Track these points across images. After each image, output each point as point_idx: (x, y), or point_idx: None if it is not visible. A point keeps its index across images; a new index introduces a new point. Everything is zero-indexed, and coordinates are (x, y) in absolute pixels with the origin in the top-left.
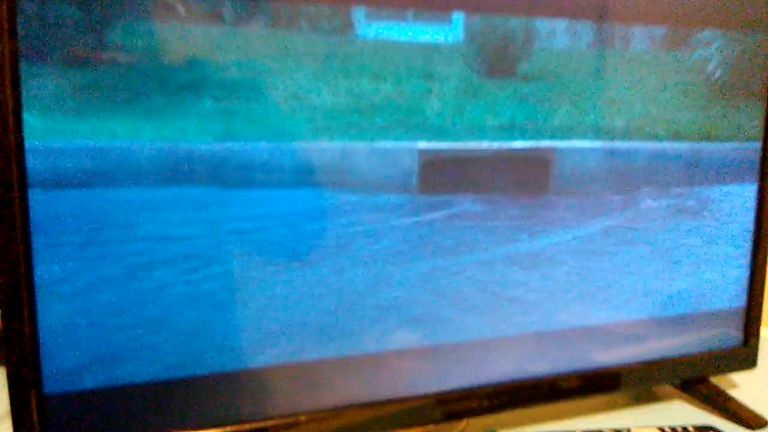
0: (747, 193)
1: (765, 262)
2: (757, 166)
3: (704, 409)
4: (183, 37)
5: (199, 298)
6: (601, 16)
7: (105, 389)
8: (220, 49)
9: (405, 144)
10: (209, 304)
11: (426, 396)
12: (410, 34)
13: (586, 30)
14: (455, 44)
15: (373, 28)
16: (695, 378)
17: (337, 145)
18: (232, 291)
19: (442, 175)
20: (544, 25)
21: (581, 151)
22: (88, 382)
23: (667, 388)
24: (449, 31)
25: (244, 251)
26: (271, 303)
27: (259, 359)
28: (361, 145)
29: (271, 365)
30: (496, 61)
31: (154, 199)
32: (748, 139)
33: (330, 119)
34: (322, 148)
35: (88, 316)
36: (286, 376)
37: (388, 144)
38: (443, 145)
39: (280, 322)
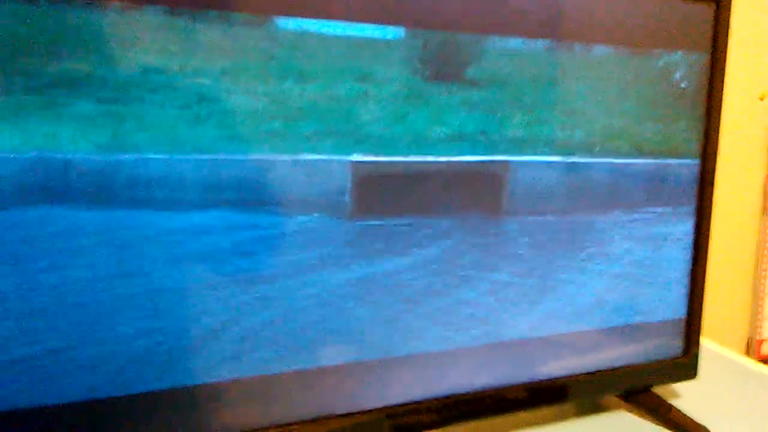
0: (688, 209)
1: (704, 275)
2: (696, 183)
3: (647, 419)
4: (56, 22)
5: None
6: (551, 36)
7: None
8: (106, 39)
9: (336, 157)
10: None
11: (375, 410)
12: (342, 27)
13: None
14: (395, 41)
15: (298, 19)
16: (638, 388)
17: (254, 157)
18: (132, 315)
19: (379, 194)
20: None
21: (536, 166)
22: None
23: (612, 399)
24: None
25: (131, 281)
26: (199, 321)
27: (197, 377)
28: (284, 158)
29: (212, 382)
30: (442, 62)
31: (22, 221)
32: (689, 156)
33: (245, 127)
34: (235, 162)
35: None
36: (228, 393)
37: (315, 156)
38: (380, 158)
39: (213, 340)
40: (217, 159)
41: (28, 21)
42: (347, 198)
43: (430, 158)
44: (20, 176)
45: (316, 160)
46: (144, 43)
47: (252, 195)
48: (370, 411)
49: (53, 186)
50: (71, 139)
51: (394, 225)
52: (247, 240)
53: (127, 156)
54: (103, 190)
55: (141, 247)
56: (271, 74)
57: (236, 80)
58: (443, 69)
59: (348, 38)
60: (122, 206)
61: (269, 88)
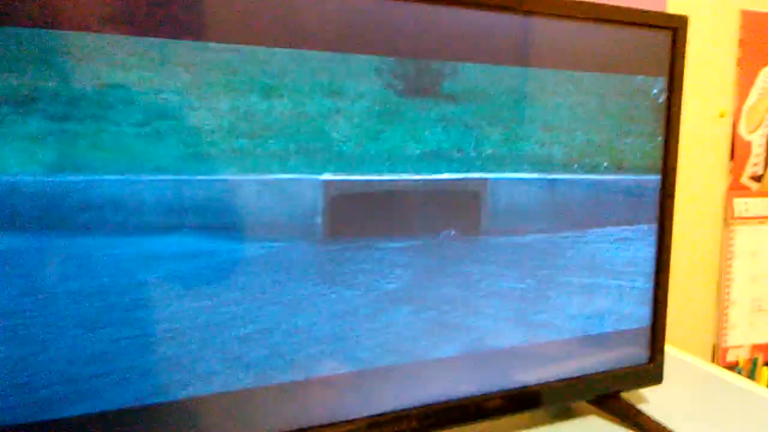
0: (651, 222)
1: (666, 285)
2: (658, 197)
3: (617, 423)
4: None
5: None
6: (522, 63)
7: None
8: (56, 52)
9: (306, 176)
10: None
11: (357, 420)
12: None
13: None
14: (368, 55)
15: (268, 49)
16: (608, 394)
17: (219, 177)
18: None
19: (353, 215)
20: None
21: (511, 183)
22: None
23: (583, 405)
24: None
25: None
26: (182, 336)
27: (178, 391)
28: (251, 178)
29: (194, 397)
30: (417, 77)
31: None
32: (651, 173)
33: (208, 145)
34: (198, 183)
35: None
36: (208, 408)
37: (285, 176)
38: (354, 177)
39: (191, 355)
40: (178, 180)
41: None
42: (319, 220)
43: (405, 176)
44: None
45: (286, 180)
46: (98, 56)
47: (217, 218)
48: (352, 421)
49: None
50: (17, 160)
51: (369, 247)
52: (212, 267)
53: (79, 177)
54: (52, 215)
55: (95, 276)
56: (236, 89)
57: (199, 95)
58: (418, 84)
59: (318, 52)
60: (74, 232)
61: (234, 104)
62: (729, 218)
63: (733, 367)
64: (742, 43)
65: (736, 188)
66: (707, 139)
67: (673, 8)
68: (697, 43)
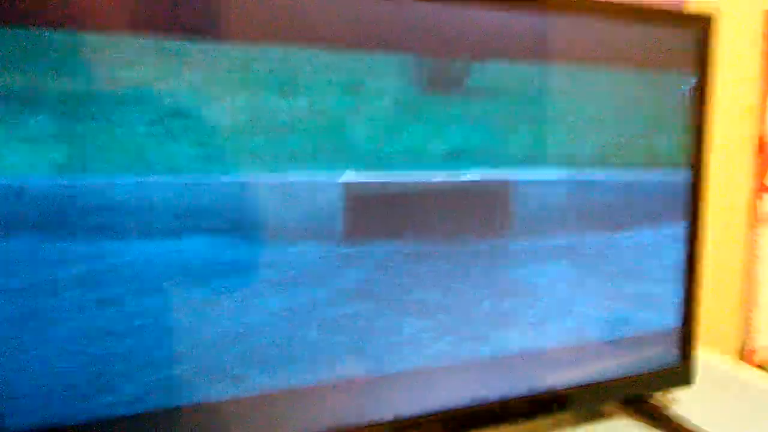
0: (681, 221)
1: (698, 285)
2: (688, 197)
3: (647, 425)
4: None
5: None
6: (542, 58)
7: None
8: (62, 48)
9: (325, 176)
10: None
11: (381, 424)
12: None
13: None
14: (391, 53)
15: (283, 47)
16: (638, 396)
17: (233, 179)
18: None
19: (374, 216)
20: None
21: (537, 183)
22: None
23: (613, 407)
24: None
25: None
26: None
27: (196, 396)
28: (266, 179)
29: (213, 402)
30: (441, 72)
31: None
32: (681, 171)
33: (222, 145)
34: (211, 184)
35: None
36: (229, 412)
37: (302, 176)
38: (374, 177)
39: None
40: (192, 181)
41: None
42: (339, 222)
43: (427, 176)
44: None
45: (303, 181)
46: (108, 52)
47: (232, 221)
48: (375, 425)
49: (3, 214)
50: (24, 161)
51: (391, 250)
52: (226, 272)
53: (88, 179)
54: (61, 218)
55: (105, 281)
56: (252, 85)
57: (214, 92)
58: (442, 78)
59: (340, 50)
60: (83, 236)
61: (251, 101)
62: (755, 219)
63: (760, 368)
64: (766, 38)
65: (762, 188)
66: (732, 138)
67: (693, 6)
68: (721, 41)
